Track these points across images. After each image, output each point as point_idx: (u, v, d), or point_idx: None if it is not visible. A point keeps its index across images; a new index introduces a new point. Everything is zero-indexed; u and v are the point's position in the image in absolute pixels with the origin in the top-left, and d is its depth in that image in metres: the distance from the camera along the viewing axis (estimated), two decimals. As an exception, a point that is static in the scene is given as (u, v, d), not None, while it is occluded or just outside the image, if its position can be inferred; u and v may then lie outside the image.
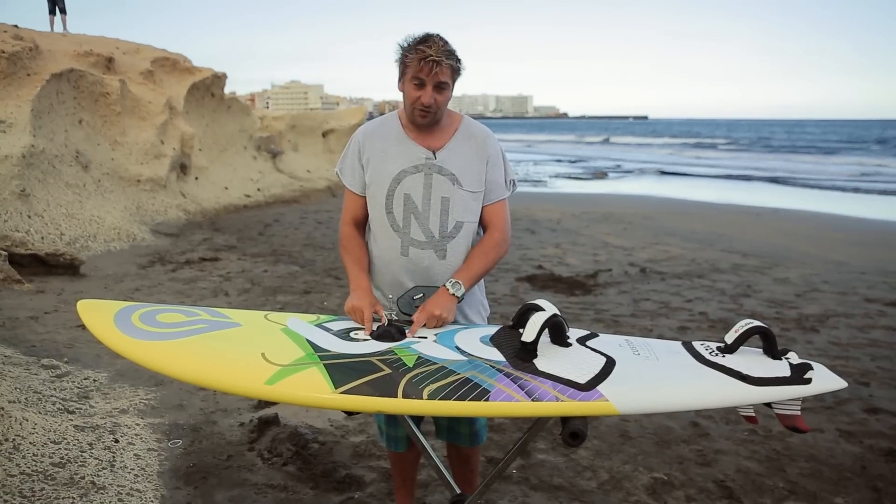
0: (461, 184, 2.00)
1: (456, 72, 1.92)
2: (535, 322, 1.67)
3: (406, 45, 1.90)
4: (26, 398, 3.25)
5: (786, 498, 2.74)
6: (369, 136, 2.07)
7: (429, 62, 1.84)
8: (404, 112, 2.02)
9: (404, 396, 1.54)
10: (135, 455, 2.92)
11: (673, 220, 11.05)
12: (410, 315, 1.97)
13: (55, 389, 3.51)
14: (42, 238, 6.72)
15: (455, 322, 2.01)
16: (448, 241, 2.00)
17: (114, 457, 2.86)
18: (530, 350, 1.66)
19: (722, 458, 3.06)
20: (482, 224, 2.09)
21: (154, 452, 2.99)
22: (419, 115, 1.94)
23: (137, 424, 3.22)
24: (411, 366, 1.63)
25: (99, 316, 1.78)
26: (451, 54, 1.88)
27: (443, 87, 1.90)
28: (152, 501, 2.59)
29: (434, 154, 2.00)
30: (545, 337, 1.73)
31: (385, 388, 1.55)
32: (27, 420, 2.90)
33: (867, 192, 16.64)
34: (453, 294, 1.94)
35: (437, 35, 1.90)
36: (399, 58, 1.93)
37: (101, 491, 2.57)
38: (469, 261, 2.01)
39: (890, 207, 13.43)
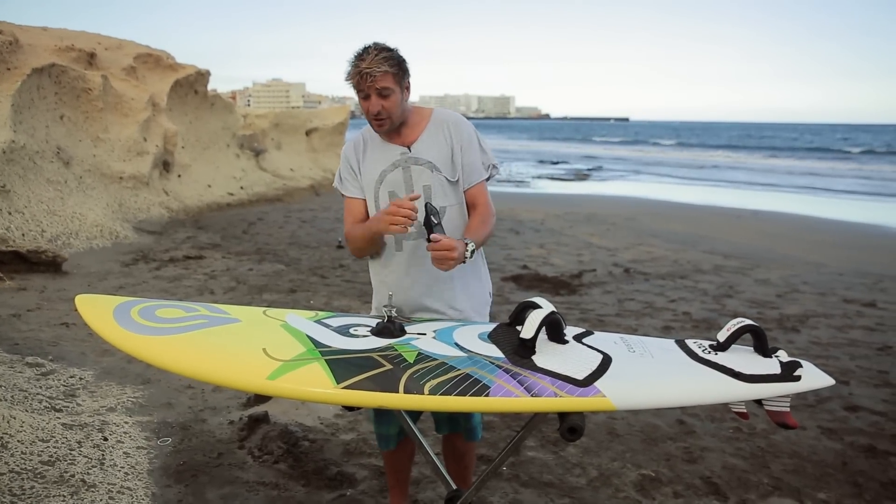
0: (440, 170, 2.06)
1: (397, 75, 1.96)
2: (534, 319, 1.69)
3: (348, 64, 1.96)
4: (12, 396, 3.22)
5: (770, 493, 2.80)
6: (354, 147, 2.16)
7: (364, 75, 1.92)
8: None
9: (405, 392, 1.56)
10: (124, 453, 2.90)
11: (655, 221, 11.17)
12: (426, 222, 1.92)
13: (41, 387, 3.47)
14: (23, 235, 6.63)
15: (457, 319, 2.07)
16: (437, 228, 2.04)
17: (103, 455, 2.84)
18: (529, 347, 1.69)
19: (708, 454, 3.11)
20: (467, 206, 2.13)
21: (143, 450, 2.97)
22: (375, 124, 2.02)
23: (126, 422, 3.20)
24: (412, 361, 1.65)
25: (98, 311, 1.77)
26: (385, 60, 1.92)
27: (386, 93, 1.95)
28: (143, 499, 2.58)
29: (409, 148, 2.07)
30: (542, 334, 1.76)
31: (386, 383, 1.57)
32: (14, 418, 2.88)
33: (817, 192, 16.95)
34: (466, 252, 1.89)
35: (373, 45, 1.95)
36: (346, 77, 1.98)
37: (92, 489, 2.56)
38: (473, 226, 2.05)
39: (867, 210, 13.68)
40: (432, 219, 1.90)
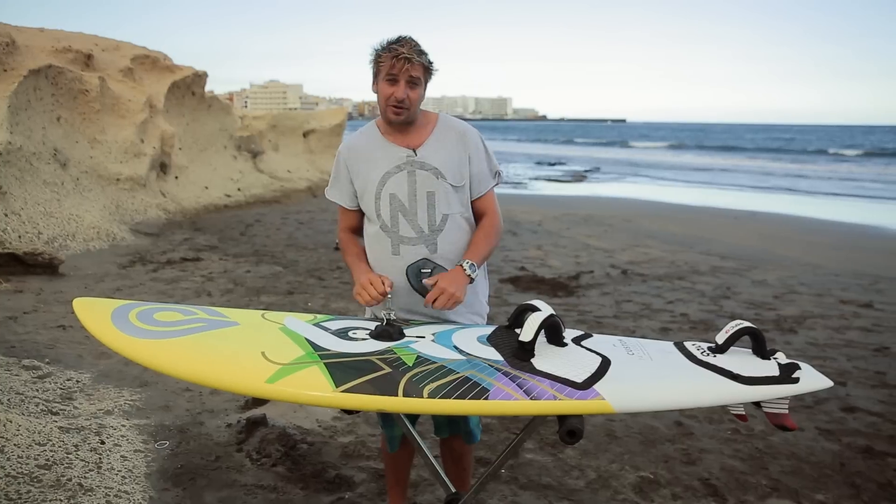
0: (445, 177, 2.04)
1: (428, 71, 1.99)
2: (533, 322, 1.69)
3: (380, 46, 1.97)
4: (8, 399, 3.21)
5: (769, 495, 2.80)
6: (351, 149, 2.13)
7: (401, 59, 1.91)
8: (380, 114, 2.07)
9: (405, 395, 1.55)
10: (121, 456, 2.89)
11: (652, 222, 11.18)
12: (417, 287, 2.03)
13: (37, 390, 3.46)
14: (19, 237, 6.61)
15: (456, 322, 2.05)
16: (437, 235, 2.04)
17: (100, 458, 2.83)
18: (528, 349, 1.69)
19: (706, 456, 3.12)
20: (476, 215, 2.13)
21: (141, 454, 2.96)
22: (392, 111, 1.97)
23: (123, 426, 3.19)
24: (411, 365, 1.65)
25: (95, 314, 1.76)
26: (422, 53, 1.95)
27: (415, 84, 1.95)
28: (141, 503, 2.57)
29: (415, 152, 2.04)
30: (541, 337, 1.75)
31: (386, 386, 1.57)
32: (10, 422, 2.86)
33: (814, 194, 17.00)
34: (468, 274, 1.97)
35: (410, 37, 1.98)
36: (373, 59, 1.98)
37: (89, 493, 2.55)
38: (475, 243, 2.06)
39: (863, 211, 13.71)
40: (414, 282, 2.01)
